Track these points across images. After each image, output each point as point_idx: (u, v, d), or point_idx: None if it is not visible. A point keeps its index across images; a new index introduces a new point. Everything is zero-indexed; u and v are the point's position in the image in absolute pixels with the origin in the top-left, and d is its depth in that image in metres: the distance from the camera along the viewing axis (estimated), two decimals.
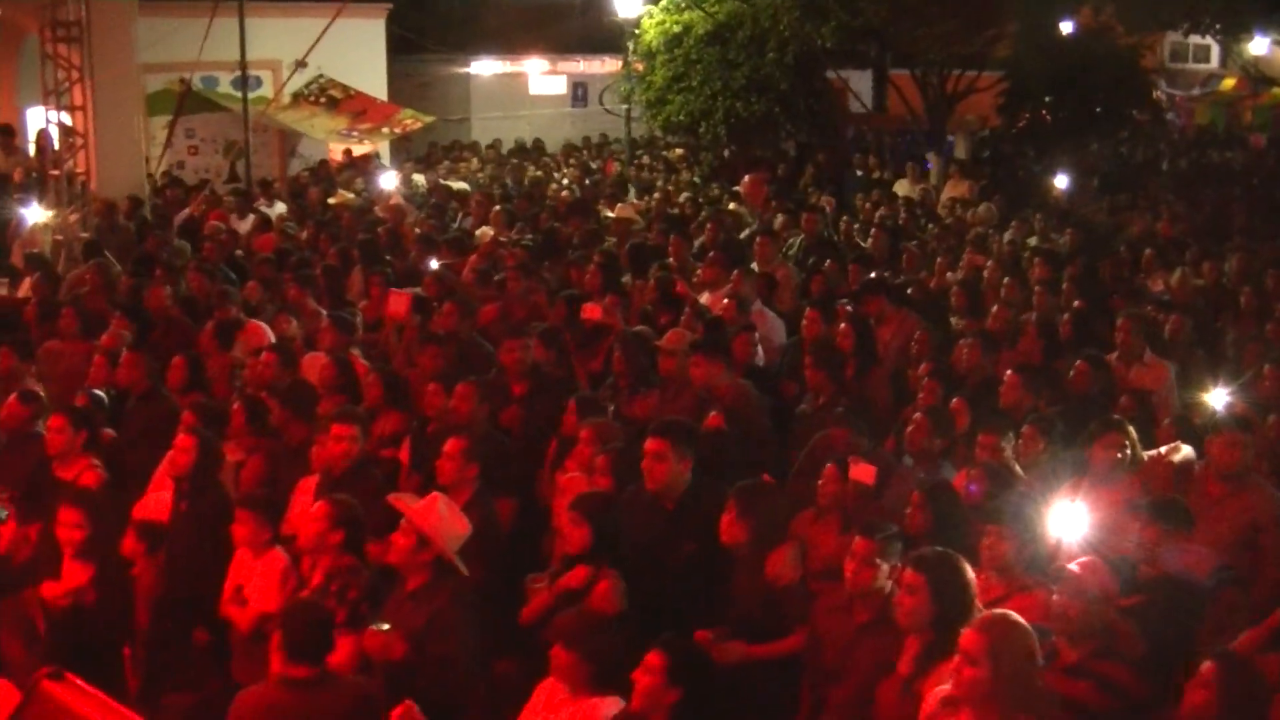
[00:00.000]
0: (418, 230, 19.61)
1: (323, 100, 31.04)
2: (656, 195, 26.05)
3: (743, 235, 19.18)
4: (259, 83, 29.30)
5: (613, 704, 6.95)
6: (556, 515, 9.41)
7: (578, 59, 43.26)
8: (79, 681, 4.95)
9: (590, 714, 6.98)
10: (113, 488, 10.38)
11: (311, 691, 7.23)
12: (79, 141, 21.02)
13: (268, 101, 28.09)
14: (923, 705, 6.67)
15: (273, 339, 13.39)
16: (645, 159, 34.18)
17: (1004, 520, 8.07)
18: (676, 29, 30.88)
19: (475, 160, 34.35)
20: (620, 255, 16.73)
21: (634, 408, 11.27)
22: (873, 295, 13.97)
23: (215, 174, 26.72)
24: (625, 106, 34.03)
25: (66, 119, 20.93)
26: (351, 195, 25.06)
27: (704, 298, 14.66)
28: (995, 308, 13.95)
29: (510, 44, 42.49)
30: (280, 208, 23.35)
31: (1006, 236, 20.08)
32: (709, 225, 18.84)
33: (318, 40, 22.37)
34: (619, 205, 22.39)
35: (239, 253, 18.82)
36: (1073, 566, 7.39)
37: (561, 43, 42.95)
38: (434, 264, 16.02)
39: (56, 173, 20.53)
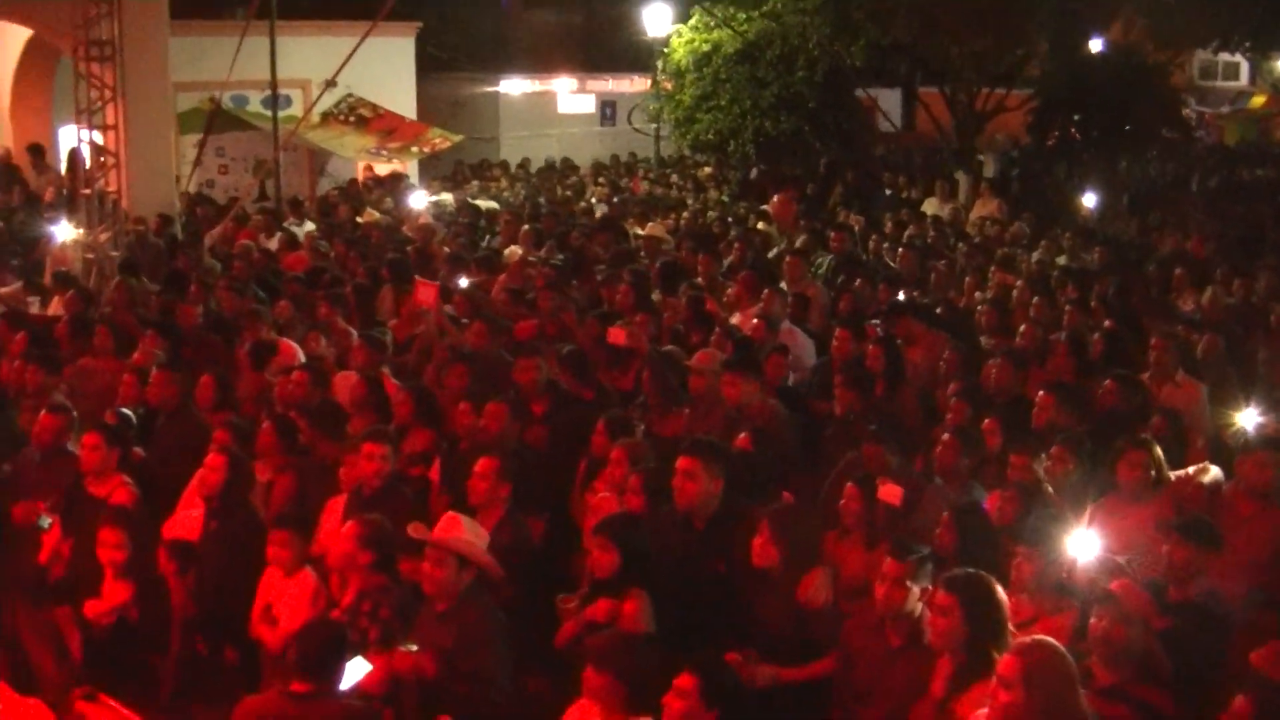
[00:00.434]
0: (446, 249, 19.62)
1: (352, 119, 31.08)
2: (685, 214, 26.04)
3: (771, 254, 19.18)
4: (289, 101, 29.38)
5: None
6: (587, 535, 9.40)
7: (606, 78, 43.33)
8: (112, 702, 4.97)
9: None
10: (145, 506, 10.41)
11: (306, 705, 7.30)
12: (111, 160, 21.08)
13: (297, 120, 28.11)
14: None
15: (303, 358, 13.41)
16: (674, 177, 34.17)
17: (1034, 542, 8.05)
18: (705, 48, 30.94)
19: (504, 179, 34.39)
20: (650, 274, 16.72)
21: (664, 427, 11.27)
22: (901, 316, 13.96)
23: (245, 192, 26.73)
24: (654, 125, 34.09)
25: (99, 138, 21.00)
26: (380, 214, 25.08)
27: (734, 317, 14.66)
28: (1024, 327, 13.89)
29: (539, 63, 42.62)
30: (309, 226, 23.39)
31: (1035, 256, 20.03)
32: (737, 244, 18.84)
33: (348, 59, 22.34)
34: (649, 224, 22.39)
35: (269, 271, 18.83)
36: (1113, 589, 7.36)
37: (590, 61, 43.08)
38: (463, 282, 16.02)
39: (88, 191, 20.60)
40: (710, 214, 26.31)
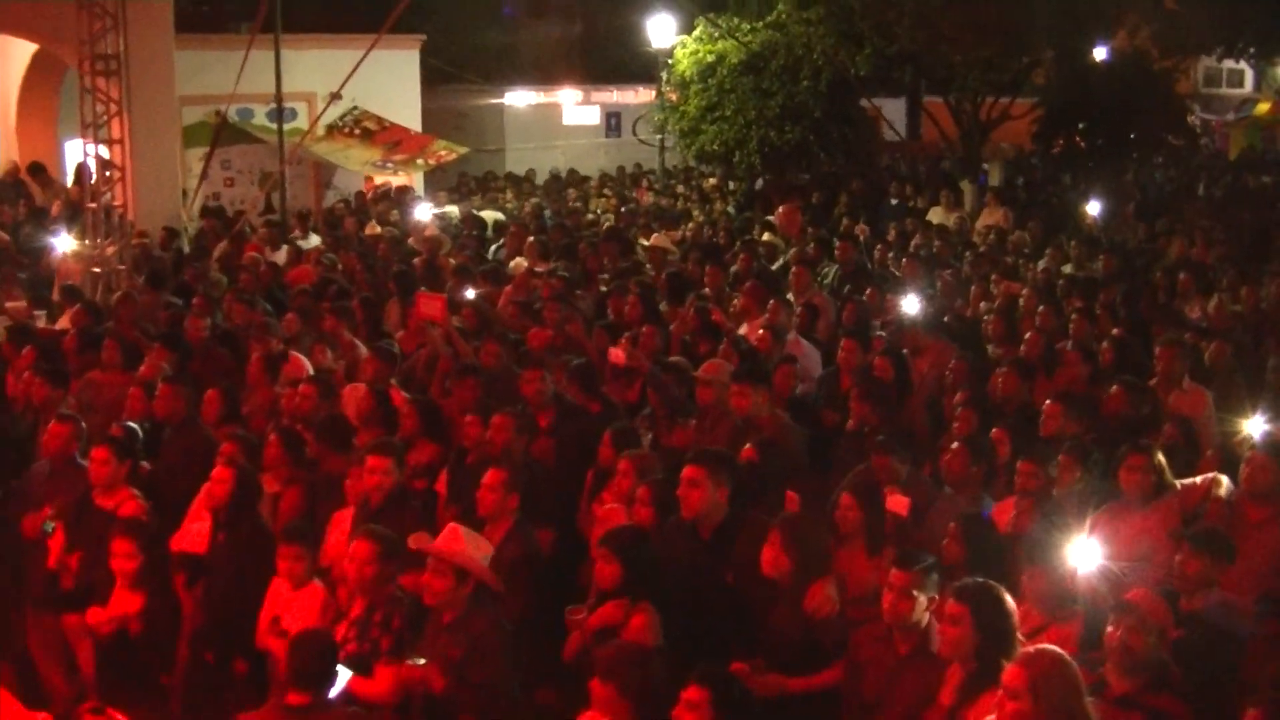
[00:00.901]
0: (453, 261, 19.64)
1: (358, 132, 31.13)
2: (691, 225, 26.05)
3: (777, 264, 19.19)
4: (294, 114, 29.39)
5: None
6: (594, 546, 9.39)
7: (611, 89, 43.35)
8: (120, 717, 4.97)
9: None
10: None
11: (304, 717, 7.32)
12: (117, 174, 21.12)
13: (303, 133, 28.17)
14: None
15: (310, 371, 13.42)
16: (680, 188, 34.18)
17: (1043, 552, 8.04)
18: (710, 59, 30.95)
19: (509, 191, 34.40)
20: (657, 285, 16.73)
21: (672, 438, 11.27)
22: (907, 326, 13.99)
23: (251, 205, 26.77)
24: (659, 136, 34.10)
25: (104, 152, 21.04)
26: (385, 227, 25.09)
27: (741, 328, 14.68)
28: (1029, 335, 13.89)
29: (544, 75, 42.67)
30: (315, 239, 23.42)
31: (1041, 264, 20.02)
32: (743, 255, 18.84)
33: (353, 72, 22.42)
34: (654, 235, 22.40)
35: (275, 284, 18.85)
36: (1130, 597, 7.35)
37: (595, 73, 43.12)
38: (470, 294, 16.03)
39: (94, 205, 20.64)
40: (718, 224, 26.27)
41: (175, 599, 9.68)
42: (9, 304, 17.06)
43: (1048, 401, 11.12)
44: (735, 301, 15.90)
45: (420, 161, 31.47)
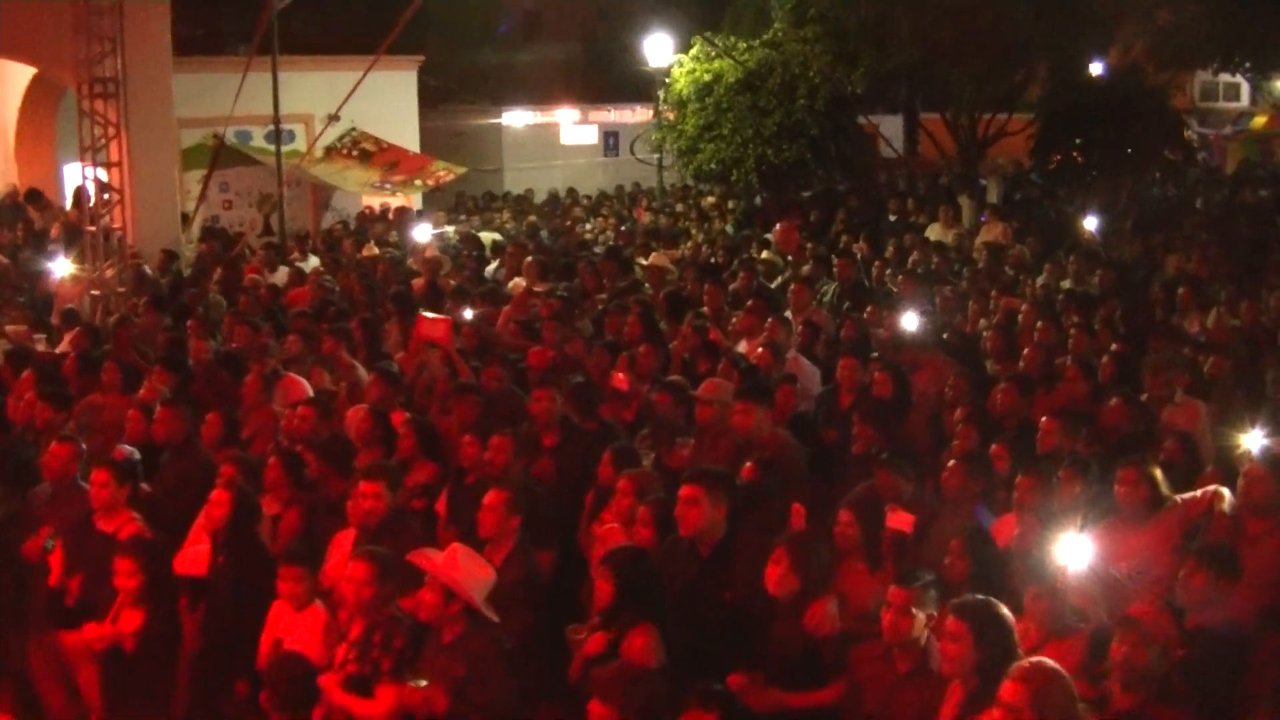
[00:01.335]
0: (452, 282, 19.65)
1: (355, 153, 31.22)
2: (690, 244, 26.07)
3: (776, 282, 19.20)
4: (292, 136, 29.49)
5: None
6: (594, 566, 9.39)
7: (609, 108, 43.44)
8: None
9: None
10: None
11: None
12: (115, 197, 21.16)
13: (301, 155, 28.23)
14: None
15: (310, 392, 13.43)
16: (679, 207, 34.22)
17: (1044, 567, 8.03)
18: (707, 78, 31.01)
19: (506, 211, 34.43)
20: (656, 304, 16.74)
21: (671, 457, 11.27)
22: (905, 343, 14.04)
23: (250, 227, 26.82)
24: (656, 155, 34.14)
25: (103, 175, 21.08)
26: (385, 248, 25.12)
27: (740, 346, 14.68)
28: (1028, 351, 13.89)
29: (541, 94, 42.77)
30: (314, 261, 23.45)
31: (1040, 279, 20.02)
32: (743, 273, 18.85)
33: (351, 93, 22.46)
34: (653, 254, 22.42)
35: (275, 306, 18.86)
36: (1134, 612, 7.35)
37: (592, 93, 43.22)
38: (468, 314, 16.03)
39: (93, 228, 20.67)
40: (716, 242, 26.29)
41: (176, 620, 9.67)
42: (9, 327, 17.07)
43: (1045, 417, 11.12)
44: (734, 320, 15.90)
45: (418, 182, 31.55)
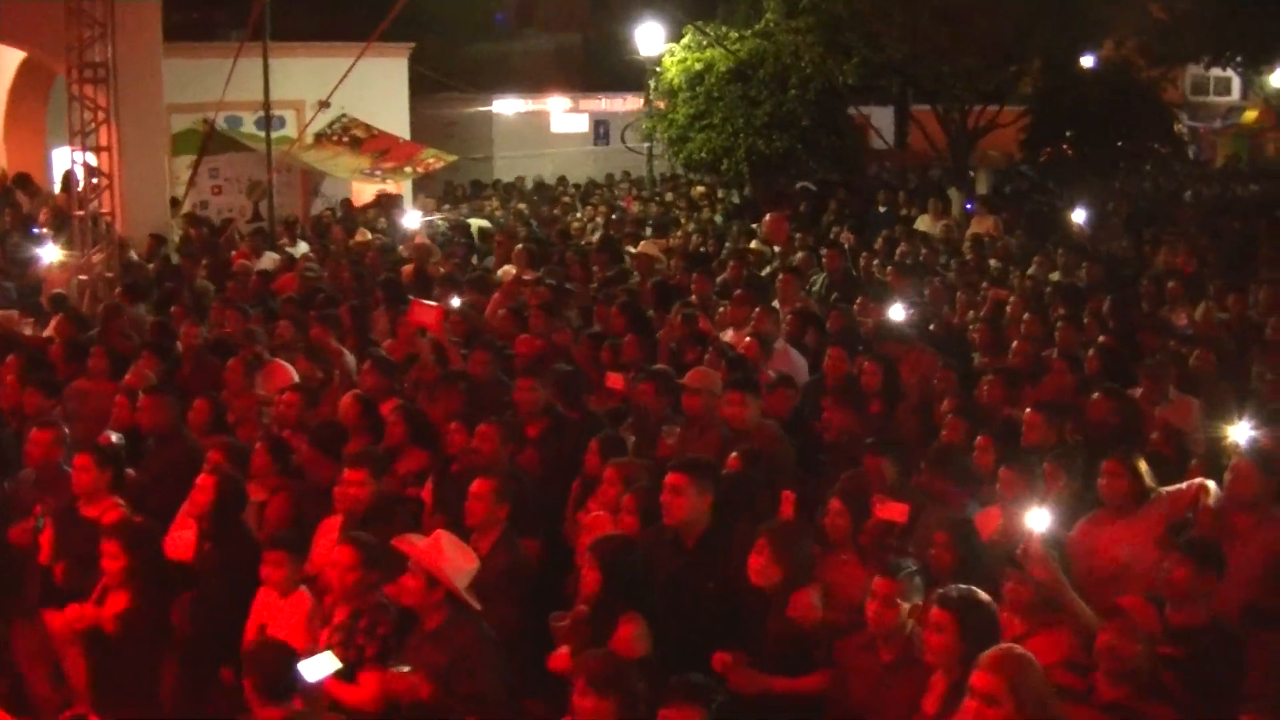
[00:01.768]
0: (441, 270, 19.64)
1: (346, 140, 31.12)
2: (679, 233, 26.07)
3: (764, 272, 19.20)
4: (282, 123, 29.39)
5: None
6: (579, 555, 9.39)
7: (600, 97, 43.41)
8: None
9: None
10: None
11: None
12: (104, 182, 21.11)
13: (291, 141, 28.18)
14: None
15: (296, 378, 13.42)
16: (669, 196, 34.20)
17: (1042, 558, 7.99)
18: (698, 67, 31.02)
19: (495, 199, 34.39)
20: (643, 293, 16.74)
21: (658, 447, 11.27)
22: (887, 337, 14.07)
23: (239, 214, 26.77)
24: (647, 144, 34.12)
25: (93, 160, 21.02)
26: (374, 235, 25.10)
27: (728, 335, 14.68)
28: (1016, 344, 13.90)
29: (532, 83, 42.69)
30: (303, 247, 23.42)
31: (1030, 271, 20.03)
32: (732, 263, 18.86)
33: (341, 80, 22.44)
34: (642, 243, 22.42)
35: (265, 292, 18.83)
36: (1121, 603, 7.35)
37: (583, 81, 43.18)
38: (455, 302, 16.01)
39: (82, 213, 20.63)
40: (705, 233, 26.28)
41: (162, 606, 9.64)
42: None
43: (1028, 410, 11.10)
44: (722, 309, 15.90)
45: (408, 169, 31.46)
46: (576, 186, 37.03)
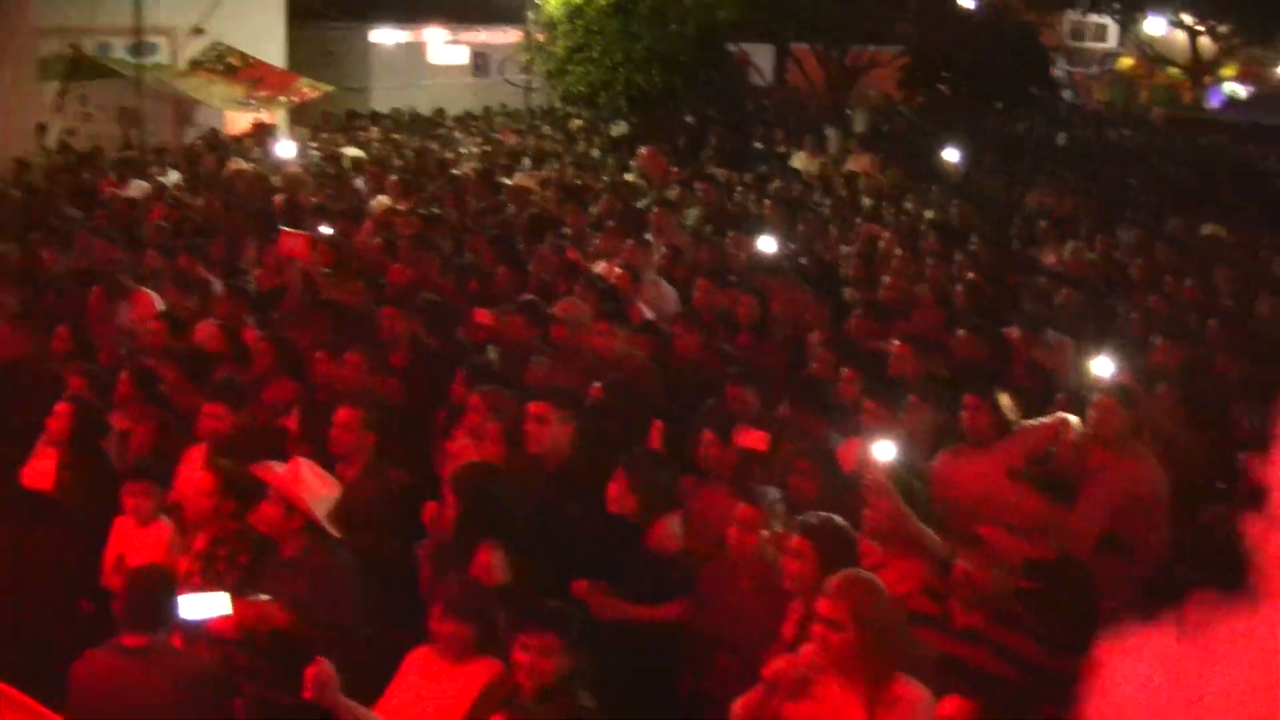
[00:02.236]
0: (314, 199, 19.46)
1: (220, 68, 30.70)
2: (556, 165, 25.98)
3: (640, 205, 19.21)
4: (155, 49, 28.93)
5: (493, 667, 6.92)
6: (445, 483, 9.36)
7: (479, 29, 43.08)
8: None
9: (471, 679, 6.95)
10: None
11: (145, 660, 7.22)
12: None
13: (164, 69, 27.77)
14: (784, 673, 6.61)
15: (161, 307, 13.24)
16: (547, 129, 34.05)
17: (884, 488, 8.06)
18: (578, 0, 30.82)
19: (375, 129, 34.08)
20: (517, 225, 16.70)
21: (526, 375, 11.24)
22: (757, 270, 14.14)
23: (109, 141, 26.31)
24: (525, 77, 33.93)
25: None
26: (247, 164, 24.79)
27: (599, 266, 14.67)
28: (888, 279, 14.01)
29: (411, 13, 42.20)
30: (174, 176, 23.10)
31: (907, 205, 20.19)
32: (606, 195, 18.85)
33: (214, 6, 22.14)
34: (517, 174, 22.34)
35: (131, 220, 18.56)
36: (980, 532, 7.43)
37: (463, 12, 42.75)
38: (326, 231, 15.86)
39: None
40: (581, 165, 26.21)
41: (17, 533, 9.49)
42: None
43: (895, 342, 11.21)
44: (596, 241, 15.89)
45: (284, 99, 31.12)
46: (457, 119, 36.75)
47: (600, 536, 8.56)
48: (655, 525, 8.26)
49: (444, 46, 43.11)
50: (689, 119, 31.87)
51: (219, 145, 27.84)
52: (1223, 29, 45.20)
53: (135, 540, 9.05)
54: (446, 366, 11.16)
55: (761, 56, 36.27)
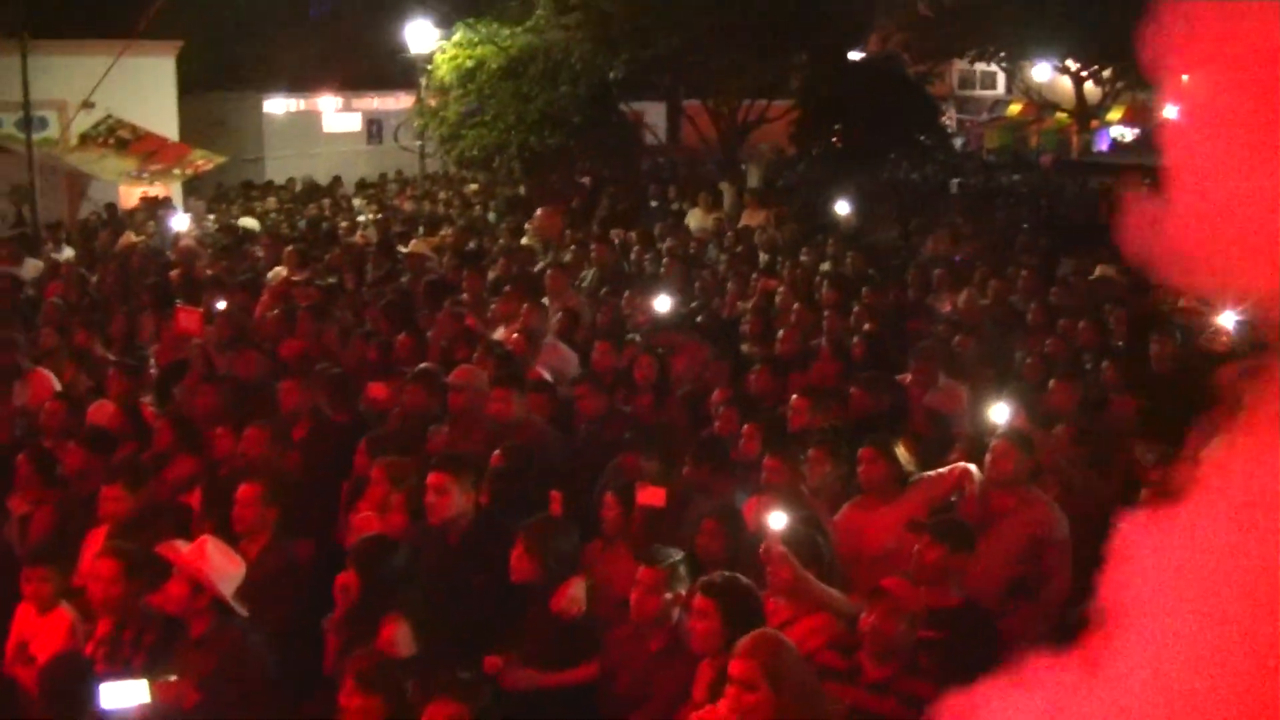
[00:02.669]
0: (209, 272, 19.37)
1: (112, 141, 30.52)
2: (450, 231, 25.99)
3: (536, 269, 19.25)
4: (45, 123, 28.73)
5: None
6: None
7: (372, 95, 43.15)
8: None
9: None
10: None
11: None
12: None
13: (54, 143, 27.57)
14: None
15: (58, 387, 13.12)
16: (443, 195, 34.08)
17: (791, 546, 8.10)
18: (470, 64, 30.90)
19: (272, 199, 33.98)
20: (415, 291, 16.70)
21: (426, 444, 11.23)
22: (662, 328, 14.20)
23: (0, 219, 26.11)
24: (419, 142, 33.98)
25: None
26: (141, 238, 24.63)
27: (499, 332, 14.68)
28: (783, 332, 14.11)
29: (303, 81, 42.23)
30: (68, 252, 22.91)
31: (803, 259, 20.33)
32: (501, 260, 18.90)
33: (102, 79, 22.01)
34: (413, 241, 22.33)
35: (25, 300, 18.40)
36: (885, 584, 7.48)
37: (355, 79, 42.80)
38: (221, 304, 15.79)
39: None
40: (477, 230, 26.25)
41: None
42: None
43: (794, 396, 11.28)
44: (493, 306, 15.90)
45: (177, 171, 30.99)
46: (365, 186, 36.78)
47: (504, 604, 8.56)
48: (559, 591, 8.26)
49: (337, 114, 43.15)
50: (584, 180, 32.01)
51: (114, 220, 27.67)
52: (1106, 74, 45.94)
53: (36, 627, 8.93)
54: (348, 437, 11.13)
55: (654, 115, 36.52)
